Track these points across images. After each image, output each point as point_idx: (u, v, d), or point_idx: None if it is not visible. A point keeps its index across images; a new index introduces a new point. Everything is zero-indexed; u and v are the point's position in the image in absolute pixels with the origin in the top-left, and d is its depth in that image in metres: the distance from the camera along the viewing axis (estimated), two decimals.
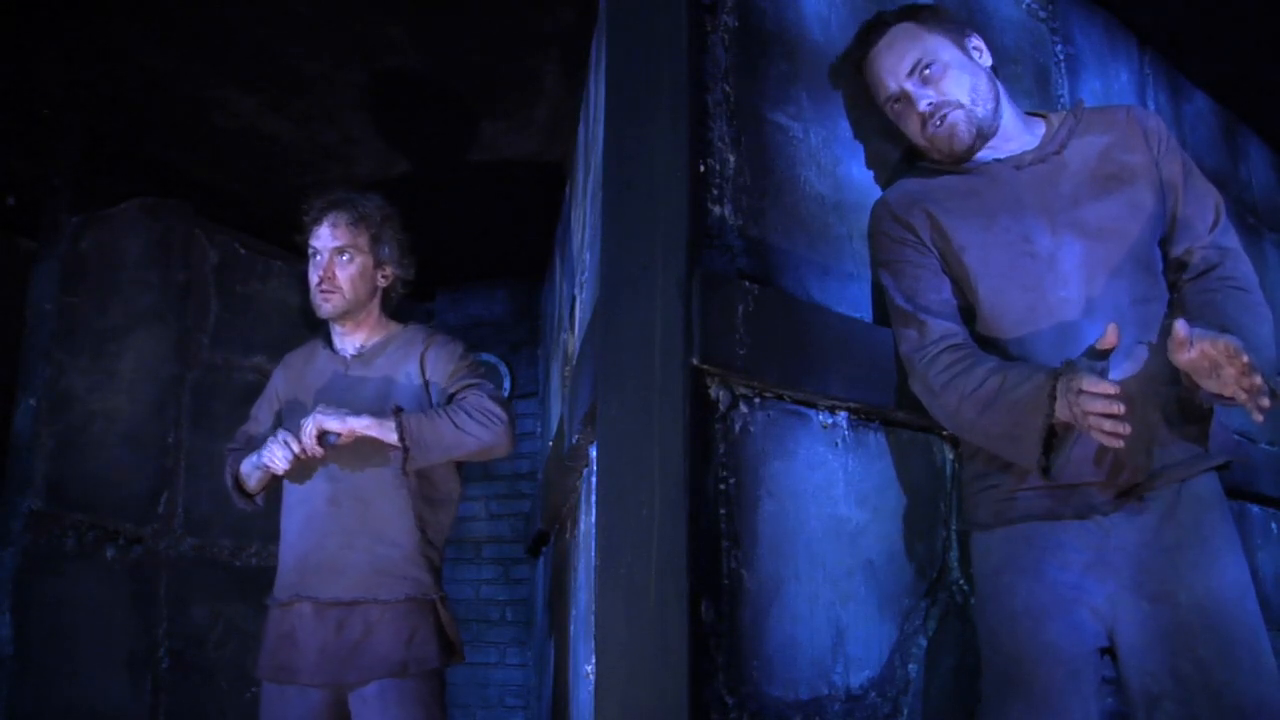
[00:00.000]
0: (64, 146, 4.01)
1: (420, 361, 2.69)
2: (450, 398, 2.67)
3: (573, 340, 3.33)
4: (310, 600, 2.58)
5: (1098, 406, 1.56)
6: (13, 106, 3.87)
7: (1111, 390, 1.56)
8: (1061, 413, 1.64)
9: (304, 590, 2.60)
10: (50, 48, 3.53)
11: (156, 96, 3.82)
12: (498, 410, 2.59)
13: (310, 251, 2.74)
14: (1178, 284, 1.90)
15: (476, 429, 2.55)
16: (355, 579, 2.56)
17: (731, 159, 1.94)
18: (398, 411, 2.51)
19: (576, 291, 3.29)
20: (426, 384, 2.68)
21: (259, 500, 2.76)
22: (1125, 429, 1.56)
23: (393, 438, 2.49)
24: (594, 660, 1.75)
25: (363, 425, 2.50)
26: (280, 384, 2.86)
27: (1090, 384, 1.57)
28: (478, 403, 2.58)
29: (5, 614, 3.51)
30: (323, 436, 2.51)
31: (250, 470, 2.67)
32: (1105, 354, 1.64)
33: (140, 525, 3.93)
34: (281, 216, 4.73)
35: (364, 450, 2.58)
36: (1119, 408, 1.55)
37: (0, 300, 4.11)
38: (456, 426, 2.54)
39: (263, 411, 2.87)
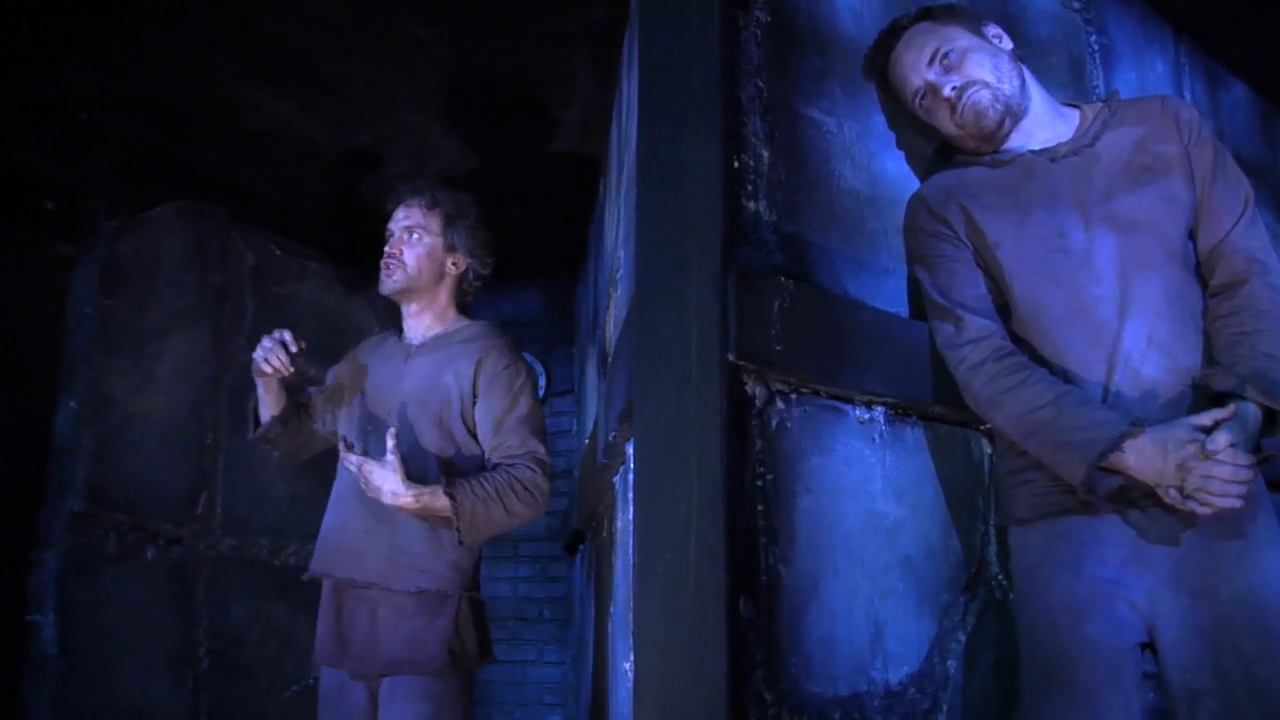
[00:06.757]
0: (101, 152, 4.05)
1: (476, 368, 2.61)
2: (497, 451, 2.59)
3: (608, 338, 3.33)
4: (328, 577, 2.58)
5: (1225, 473, 1.59)
6: (51, 114, 3.92)
7: (1246, 462, 1.61)
8: (1136, 469, 1.67)
9: (323, 566, 2.60)
10: (85, 55, 3.57)
11: (191, 101, 3.86)
12: (544, 486, 2.52)
13: (386, 234, 2.75)
14: (1204, 286, 1.88)
15: (522, 510, 2.49)
16: (372, 564, 2.53)
17: (765, 154, 1.93)
18: (450, 488, 2.41)
19: (611, 289, 3.29)
20: (475, 395, 2.61)
21: (271, 426, 2.74)
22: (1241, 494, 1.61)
23: (446, 514, 2.43)
24: (632, 657, 1.75)
25: (412, 504, 2.41)
26: (345, 367, 2.83)
27: (1225, 454, 1.60)
28: (530, 479, 2.50)
29: (50, 615, 3.55)
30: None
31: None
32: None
33: (180, 526, 3.97)
34: (316, 218, 4.78)
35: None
36: (1247, 475, 1.60)
37: (40, 304, 4.15)
38: (508, 511, 2.46)
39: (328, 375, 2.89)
